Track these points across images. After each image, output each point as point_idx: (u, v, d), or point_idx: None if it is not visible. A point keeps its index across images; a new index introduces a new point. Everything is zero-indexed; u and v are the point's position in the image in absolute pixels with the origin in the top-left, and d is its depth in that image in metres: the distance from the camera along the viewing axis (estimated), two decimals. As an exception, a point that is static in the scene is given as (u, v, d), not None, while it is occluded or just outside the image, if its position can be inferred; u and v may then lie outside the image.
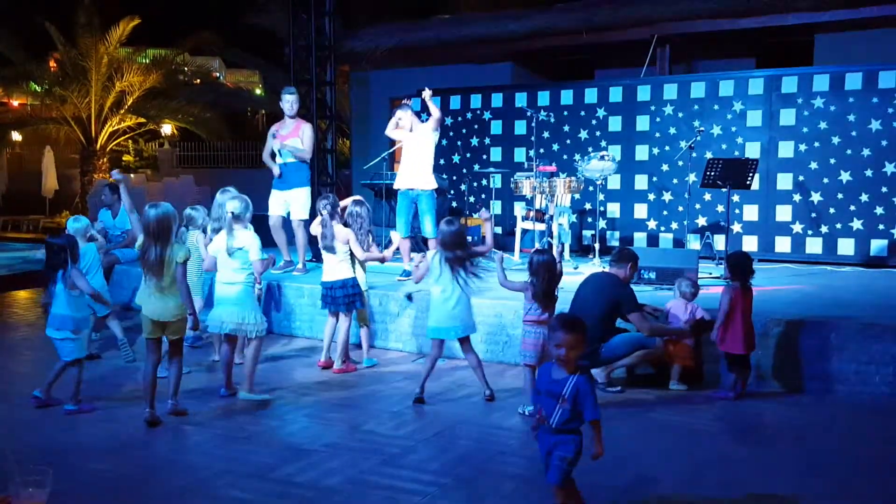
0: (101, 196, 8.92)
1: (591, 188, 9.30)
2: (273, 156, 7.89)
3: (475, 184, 10.76)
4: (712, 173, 7.96)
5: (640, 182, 9.91)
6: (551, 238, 8.24)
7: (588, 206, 9.86)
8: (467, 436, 4.50)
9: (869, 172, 8.67)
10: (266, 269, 5.35)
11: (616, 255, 5.47)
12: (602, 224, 9.67)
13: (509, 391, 5.34)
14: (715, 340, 5.24)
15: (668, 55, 11.51)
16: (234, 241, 5.17)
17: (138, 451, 4.28)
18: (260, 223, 6.43)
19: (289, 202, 7.89)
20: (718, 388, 5.40)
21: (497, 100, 10.96)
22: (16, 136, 23.12)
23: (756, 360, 5.41)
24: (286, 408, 5.06)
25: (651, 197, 9.84)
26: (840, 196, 8.82)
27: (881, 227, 8.64)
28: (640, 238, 9.90)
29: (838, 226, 8.85)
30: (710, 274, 7.55)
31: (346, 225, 5.99)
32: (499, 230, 10.00)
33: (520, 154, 10.70)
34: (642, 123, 9.90)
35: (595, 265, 8.16)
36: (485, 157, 11.00)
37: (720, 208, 9.25)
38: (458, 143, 11.21)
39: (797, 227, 9.06)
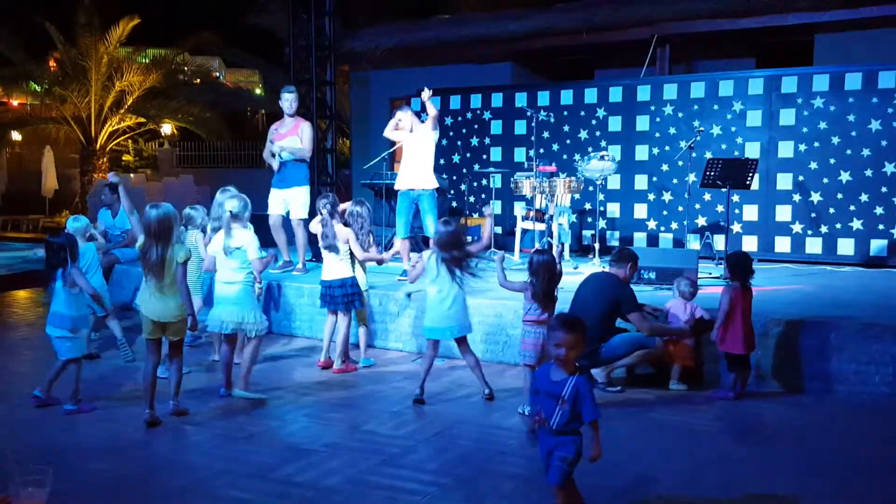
0: (100, 196, 8.92)
1: (591, 188, 9.30)
2: (273, 154, 7.91)
3: (475, 184, 10.76)
4: (712, 173, 7.96)
5: (640, 182, 9.91)
6: (551, 238, 8.24)
7: (588, 206, 9.86)
8: (467, 436, 4.50)
9: (869, 172, 8.67)
10: (265, 268, 5.35)
11: (616, 255, 5.47)
12: (602, 224, 9.67)
13: (509, 391, 5.34)
14: (715, 340, 5.24)
15: (668, 55, 11.52)
16: (231, 240, 5.17)
17: (138, 451, 4.28)
18: (260, 223, 6.44)
19: (288, 201, 7.89)
20: (718, 388, 5.40)
21: (497, 100, 10.96)
22: (16, 135, 23.12)
23: (756, 360, 5.41)
24: (286, 408, 5.06)
25: (651, 197, 9.84)
26: (840, 196, 8.83)
27: (881, 227, 8.64)
28: (639, 238, 9.90)
29: (838, 226, 8.85)
30: (710, 274, 7.55)
31: (346, 225, 6.00)
32: (499, 230, 10.00)
33: (520, 154, 10.70)
34: (642, 123, 9.90)
35: (595, 265, 8.16)
36: (485, 157, 11.00)
37: (720, 208, 9.25)
38: (458, 143, 11.21)
39: (797, 227, 9.06)
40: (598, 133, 10.18)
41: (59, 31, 18.76)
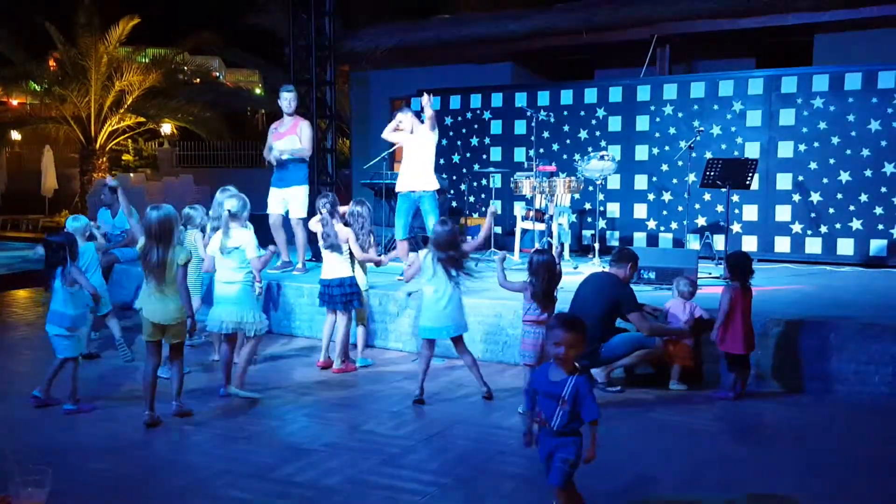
0: (100, 195, 8.92)
1: (590, 188, 9.30)
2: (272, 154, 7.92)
3: (475, 184, 10.76)
4: (712, 173, 7.96)
5: (640, 182, 9.91)
6: (551, 238, 8.24)
7: (588, 206, 9.86)
8: (466, 436, 4.50)
9: (868, 172, 8.67)
10: (265, 267, 5.34)
11: (616, 255, 5.47)
12: (602, 224, 9.67)
13: (508, 391, 5.34)
14: (715, 340, 5.24)
15: (668, 55, 11.51)
16: (229, 240, 5.17)
17: (138, 451, 4.28)
18: (260, 222, 6.44)
19: (287, 200, 7.90)
20: (718, 388, 5.40)
21: (497, 100, 10.96)
22: (15, 135, 23.11)
23: (756, 360, 5.41)
24: (286, 407, 5.06)
25: (651, 197, 9.84)
26: (839, 196, 8.83)
27: (880, 227, 8.64)
28: (639, 238, 9.90)
29: (838, 226, 8.85)
30: (710, 274, 7.55)
31: (346, 224, 6.00)
32: (499, 230, 10.00)
33: (520, 154, 10.71)
34: (642, 123, 9.90)
35: (595, 265, 8.16)
36: (485, 156, 11.00)
37: (720, 208, 9.25)
38: (458, 143, 11.21)
39: (797, 227, 9.07)
40: (598, 133, 10.18)
41: (59, 30, 18.75)
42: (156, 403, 4.67)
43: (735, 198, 9.10)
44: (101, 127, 18.98)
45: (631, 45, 11.59)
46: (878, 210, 8.63)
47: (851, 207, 8.76)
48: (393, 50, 13.30)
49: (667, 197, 9.73)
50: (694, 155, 8.73)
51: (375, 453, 4.17)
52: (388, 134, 7.63)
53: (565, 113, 10.39)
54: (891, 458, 4.22)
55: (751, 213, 9.29)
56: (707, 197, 9.40)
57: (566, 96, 10.42)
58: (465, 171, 10.78)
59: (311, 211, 7.03)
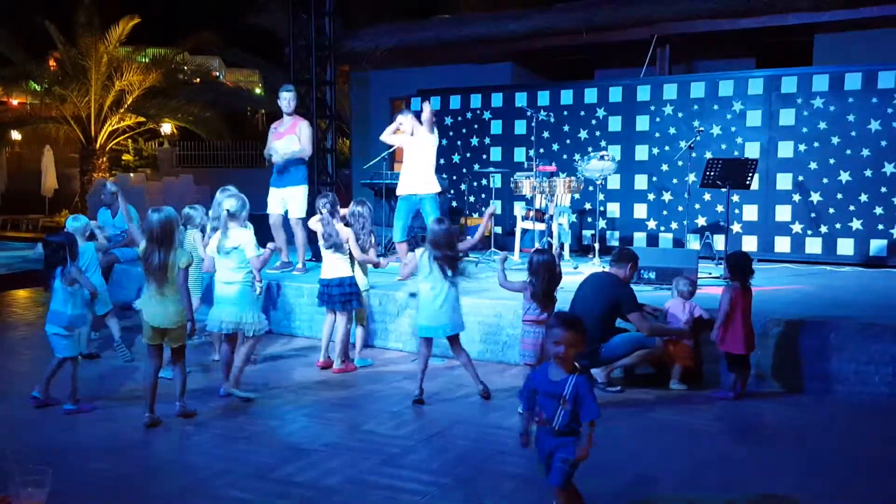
0: (100, 195, 8.92)
1: (590, 188, 9.30)
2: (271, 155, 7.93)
3: (475, 184, 10.76)
4: (712, 173, 7.96)
5: (640, 182, 9.91)
6: (551, 238, 8.24)
7: (588, 206, 9.86)
8: (466, 435, 4.50)
9: (868, 172, 8.67)
10: (265, 266, 5.34)
11: (616, 255, 5.47)
12: (602, 224, 9.67)
13: (508, 391, 5.34)
14: (715, 340, 5.24)
15: (668, 55, 11.51)
16: (227, 240, 5.17)
17: (138, 451, 4.28)
18: (260, 222, 6.44)
19: (286, 200, 7.90)
20: (718, 388, 5.40)
21: (497, 100, 10.96)
22: (15, 135, 23.11)
23: (756, 360, 5.41)
24: (286, 408, 5.06)
25: (651, 197, 9.84)
26: (839, 196, 8.82)
27: (880, 227, 8.64)
28: (639, 238, 9.90)
29: (838, 226, 8.85)
30: (710, 274, 7.55)
31: (347, 225, 6.00)
32: (499, 230, 10.00)
33: (520, 154, 10.70)
34: (642, 123, 9.90)
35: (595, 265, 8.16)
36: (485, 156, 11.00)
37: (720, 208, 9.25)
38: (458, 142, 11.21)
39: (797, 227, 9.06)
40: (598, 133, 10.17)
41: (59, 30, 18.75)
42: (158, 404, 4.68)
43: (735, 198, 9.10)
44: (102, 127, 18.98)
45: (631, 45, 11.59)
46: (878, 210, 8.63)
47: (851, 207, 8.76)
48: (393, 50, 13.30)
49: (667, 197, 9.73)
50: (694, 155, 8.73)
51: (375, 453, 4.17)
52: (387, 136, 7.63)
53: (565, 113, 10.39)
54: (891, 458, 4.22)
55: (751, 213, 9.29)
56: (707, 197, 9.40)
57: (566, 96, 10.42)
58: (465, 171, 10.78)
59: (311, 211, 7.03)
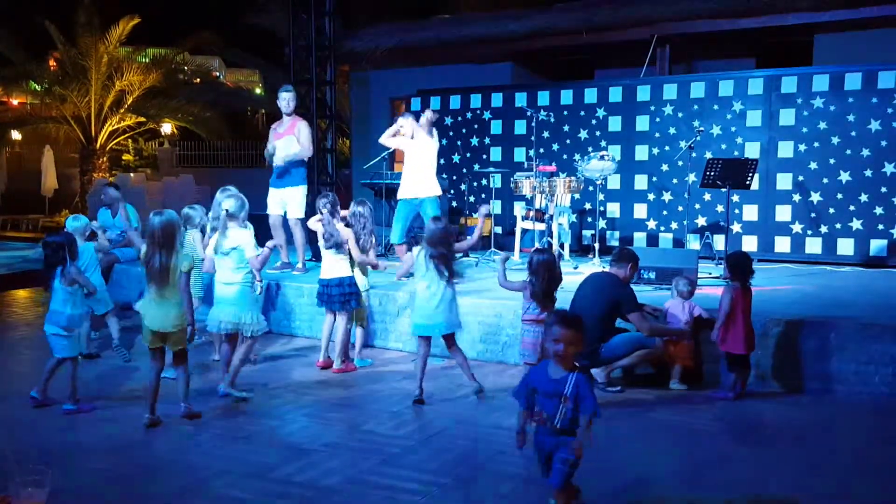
0: (100, 195, 8.93)
1: (590, 188, 9.30)
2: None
3: (475, 184, 10.75)
4: (712, 173, 7.96)
5: (640, 182, 9.91)
6: (551, 238, 8.24)
7: (588, 206, 9.86)
8: (466, 435, 4.50)
9: (868, 172, 8.67)
10: (264, 266, 5.34)
11: (616, 255, 5.47)
12: (602, 224, 9.67)
13: (508, 391, 5.31)
14: (716, 340, 5.24)
15: (668, 55, 11.51)
16: (226, 240, 5.17)
17: (138, 451, 4.28)
18: (259, 223, 6.43)
19: (285, 201, 7.90)
20: (718, 388, 5.39)
21: (497, 100, 10.96)
22: (15, 135, 23.11)
23: (756, 360, 5.41)
24: (286, 408, 5.06)
25: (651, 197, 9.84)
26: (840, 196, 8.82)
27: (881, 227, 8.64)
28: (639, 238, 9.90)
29: (838, 226, 8.85)
30: (710, 274, 7.55)
31: (348, 225, 6.00)
32: (499, 230, 10.00)
33: (520, 154, 10.70)
34: (642, 123, 9.90)
35: (595, 265, 8.16)
36: (485, 156, 11.00)
37: (720, 208, 9.25)
38: (458, 142, 11.21)
39: (797, 227, 9.06)
40: (598, 133, 10.17)
41: (59, 30, 18.75)
42: (161, 405, 4.68)
43: (735, 198, 9.10)
44: (102, 127, 18.98)
45: (631, 45, 11.59)
46: (879, 210, 8.63)
47: (851, 207, 8.76)
48: (393, 50, 13.30)
49: (667, 197, 9.73)
50: (694, 155, 8.73)
51: (375, 453, 4.17)
52: (386, 139, 7.63)
53: (565, 113, 10.39)
54: (891, 458, 4.22)
55: (751, 213, 9.29)
56: (707, 197, 9.40)
57: (566, 96, 10.42)
58: (465, 171, 10.78)
59: (310, 211, 7.03)
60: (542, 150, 9.85)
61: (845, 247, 8.82)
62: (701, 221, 9.46)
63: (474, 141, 11.11)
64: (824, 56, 10.93)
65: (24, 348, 6.82)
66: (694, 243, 9.26)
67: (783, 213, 9.12)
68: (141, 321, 4.75)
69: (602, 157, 8.45)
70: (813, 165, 8.93)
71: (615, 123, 10.07)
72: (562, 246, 8.53)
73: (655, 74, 11.17)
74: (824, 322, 5.43)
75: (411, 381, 5.42)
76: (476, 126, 11.10)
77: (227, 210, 5.17)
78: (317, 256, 7.42)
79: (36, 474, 3.22)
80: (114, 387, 5.51)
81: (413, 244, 8.06)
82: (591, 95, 10.25)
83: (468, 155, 11.13)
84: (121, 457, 4.14)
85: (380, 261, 6.43)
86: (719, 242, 8.92)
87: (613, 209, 10.07)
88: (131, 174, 21.66)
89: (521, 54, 13.24)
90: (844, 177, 8.78)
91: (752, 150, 9.16)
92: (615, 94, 10.08)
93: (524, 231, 8.89)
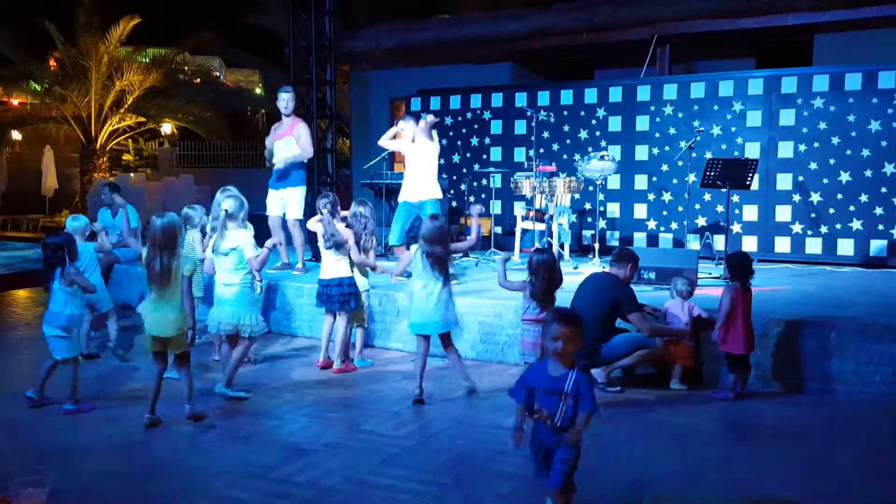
0: (100, 195, 8.92)
1: (590, 188, 9.30)
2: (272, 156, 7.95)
3: (475, 184, 10.75)
4: (712, 173, 7.96)
5: (640, 182, 9.91)
6: (551, 238, 8.24)
7: (588, 206, 9.86)
8: (466, 435, 4.50)
9: (868, 173, 8.67)
10: (264, 265, 5.33)
11: (616, 256, 5.47)
12: (602, 224, 9.67)
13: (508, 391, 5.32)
14: (716, 341, 5.24)
15: (668, 55, 11.51)
16: (224, 241, 5.16)
17: (138, 451, 4.28)
18: (259, 223, 6.43)
19: (285, 201, 7.90)
20: (718, 388, 5.39)
21: (497, 100, 10.96)
22: (16, 135, 23.12)
23: (756, 360, 5.41)
24: (286, 408, 5.06)
25: (651, 197, 9.84)
26: (840, 196, 8.82)
27: (881, 227, 8.64)
28: (639, 238, 9.90)
29: (838, 226, 8.85)
30: (710, 274, 7.55)
31: (348, 226, 6.00)
32: (499, 230, 10.01)
33: (520, 154, 10.70)
34: (642, 123, 9.90)
35: (595, 265, 8.16)
36: (485, 156, 10.99)
37: (720, 208, 9.25)
38: (458, 142, 11.21)
39: (797, 228, 9.06)
40: (598, 133, 10.17)
41: (59, 30, 18.75)
42: (165, 405, 4.68)
43: (735, 198, 9.10)
44: (102, 127, 18.98)
45: (631, 45, 11.59)
46: (879, 210, 8.63)
47: (851, 208, 8.76)
48: (393, 50, 13.30)
49: (667, 197, 9.73)
50: (694, 155, 8.73)
51: (375, 453, 4.17)
52: (385, 142, 7.64)
53: (565, 113, 10.39)
54: (891, 458, 4.22)
55: (751, 213, 9.29)
56: (707, 197, 9.40)
57: (566, 96, 10.42)
58: (465, 171, 10.78)
59: (310, 212, 7.03)
60: (542, 150, 9.85)
61: (845, 247, 8.82)
62: (701, 221, 9.46)
63: (474, 141, 11.11)
64: (824, 56, 10.93)
65: (24, 348, 6.82)
66: (694, 243, 9.27)
67: (783, 213, 9.12)
68: (142, 323, 4.75)
69: (602, 157, 8.45)
70: (813, 166, 8.93)
71: (615, 123, 10.07)
72: (562, 246, 8.53)
73: (655, 74, 11.17)
74: (824, 322, 5.43)
75: (411, 381, 5.42)
76: (476, 126, 11.10)
77: (226, 210, 5.17)
78: (316, 257, 7.42)
79: (36, 474, 3.22)
80: (114, 387, 5.51)
81: (414, 241, 8.08)
82: (591, 95, 10.25)
83: (468, 155, 11.13)
84: (121, 457, 4.14)
85: (378, 262, 6.42)
86: (719, 243, 8.92)
87: (613, 209, 10.07)
88: (131, 174, 21.66)
89: (521, 54, 13.24)
90: (844, 177, 8.78)
91: (752, 151, 9.15)
92: (615, 94, 10.08)
93: (524, 231, 8.89)
